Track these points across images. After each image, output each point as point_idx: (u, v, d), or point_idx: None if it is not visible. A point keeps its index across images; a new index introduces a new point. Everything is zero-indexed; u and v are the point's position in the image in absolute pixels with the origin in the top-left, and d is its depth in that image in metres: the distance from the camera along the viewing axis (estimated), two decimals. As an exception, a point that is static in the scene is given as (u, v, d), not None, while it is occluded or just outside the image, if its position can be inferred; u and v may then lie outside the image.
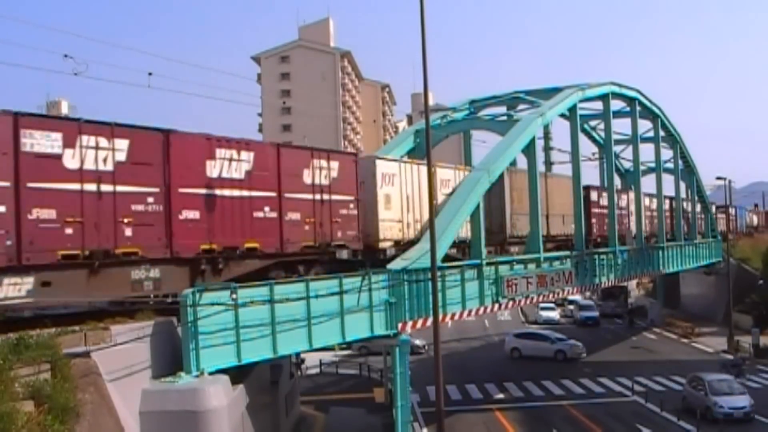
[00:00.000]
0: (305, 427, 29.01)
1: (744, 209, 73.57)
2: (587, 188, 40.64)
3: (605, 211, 41.22)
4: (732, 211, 71.94)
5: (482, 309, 28.42)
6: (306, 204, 21.34)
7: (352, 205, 23.16)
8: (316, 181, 21.82)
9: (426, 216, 24.88)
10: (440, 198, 26.99)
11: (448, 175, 28.59)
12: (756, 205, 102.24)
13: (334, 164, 22.65)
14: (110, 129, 15.93)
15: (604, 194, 42.59)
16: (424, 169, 24.58)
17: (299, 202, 21.10)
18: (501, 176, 30.17)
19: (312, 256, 21.54)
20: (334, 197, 22.38)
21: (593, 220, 40.34)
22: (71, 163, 15.08)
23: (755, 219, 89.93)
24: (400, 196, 25.42)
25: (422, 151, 31.48)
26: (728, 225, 66.67)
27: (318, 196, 21.76)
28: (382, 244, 24.30)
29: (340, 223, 22.45)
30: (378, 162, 25.03)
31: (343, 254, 22.27)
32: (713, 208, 59.51)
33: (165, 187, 17.04)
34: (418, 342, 48.54)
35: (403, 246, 25.04)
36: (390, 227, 24.76)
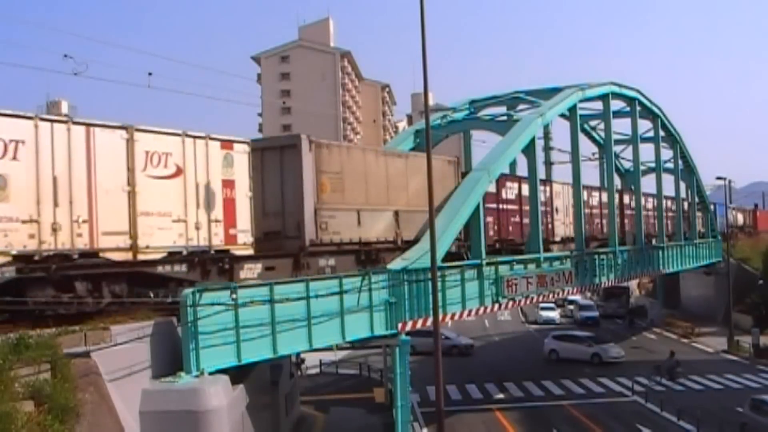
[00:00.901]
0: (305, 427, 29.02)
1: (726, 207, 67.21)
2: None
3: (507, 206, 32.84)
4: (711, 209, 64.73)
5: (482, 309, 28.43)
6: None
7: None
8: None
9: (108, 213, 16.28)
10: (143, 182, 16.98)
11: (165, 147, 17.62)
12: (756, 205, 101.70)
13: None
14: None
15: (508, 184, 33.71)
16: (100, 133, 16.17)
17: None
18: (297, 151, 21.30)
19: None
20: None
21: (489, 219, 30.98)
22: None
23: (741, 218, 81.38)
24: (37, 179, 15.12)
25: (422, 151, 31.47)
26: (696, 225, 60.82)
27: None
28: None
29: None
30: None
31: None
32: (685, 206, 55.60)
33: None
34: (464, 341, 48.10)
35: (41, 263, 15.00)
36: None
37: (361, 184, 22.89)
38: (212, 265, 18.51)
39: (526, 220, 33.79)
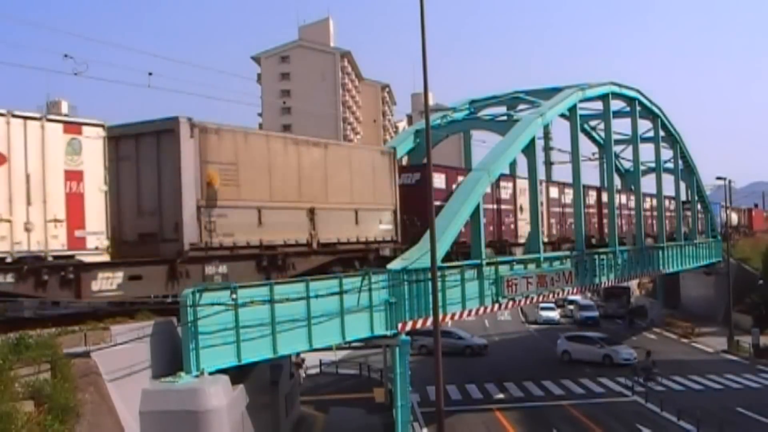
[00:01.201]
0: (305, 427, 29.02)
1: (719, 206, 64.18)
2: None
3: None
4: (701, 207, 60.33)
5: (482, 309, 28.42)
6: None
7: None
8: None
9: None
10: None
11: None
12: (756, 205, 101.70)
13: None
14: None
15: (460, 179, 29.49)
16: None
17: None
18: (175, 136, 17.65)
19: None
20: None
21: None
22: None
23: (735, 217, 74.69)
24: None
25: (422, 150, 31.49)
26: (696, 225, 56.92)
27: None
28: None
29: None
30: None
31: None
32: (673, 204, 53.48)
33: None
34: (478, 341, 47.95)
35: None
36: None
37: (264, 176, 19.71)
38: (51, 275, 15.26)
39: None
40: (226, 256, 18.69)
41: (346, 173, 23.15)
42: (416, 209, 25.15)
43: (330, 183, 22.35)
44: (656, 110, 48.39)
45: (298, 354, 28.70)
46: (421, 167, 27.99)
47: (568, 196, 38.14)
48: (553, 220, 36.36)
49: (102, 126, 16.52)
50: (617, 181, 50.41)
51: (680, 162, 53.60)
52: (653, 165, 49.99)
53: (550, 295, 35.94)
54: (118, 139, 17.57)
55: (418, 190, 25.75)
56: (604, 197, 42.71)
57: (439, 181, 27.50)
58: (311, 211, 21.47)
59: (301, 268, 20.94)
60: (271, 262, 20.06)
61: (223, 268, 18.59)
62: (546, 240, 34.79)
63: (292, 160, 21.04)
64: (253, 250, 19.53)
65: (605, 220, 42.12)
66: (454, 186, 28.59)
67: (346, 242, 22.85)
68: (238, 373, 16.96)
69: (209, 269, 18.31)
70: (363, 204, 23.60)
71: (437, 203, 26.20)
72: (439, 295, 22.39)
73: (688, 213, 55.09)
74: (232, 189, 18.84)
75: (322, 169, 22.15)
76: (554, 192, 37.05)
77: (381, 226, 24.36)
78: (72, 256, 15.62)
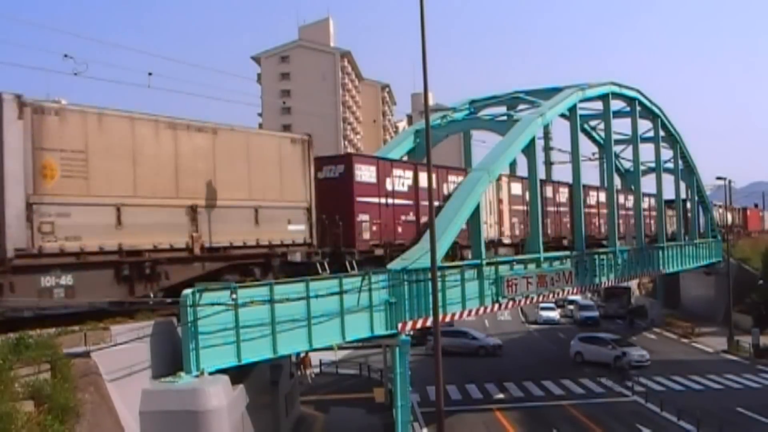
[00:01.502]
0: (305, 427, 29.03)
1: (712, 206, 61.80)
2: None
3: (395, 201, 25.71)
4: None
5: (482, 309, 28.42)
6: None
7: None
8: None
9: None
10: None
11: None
12: (756, 204, 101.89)
13: None
14: None
15: (396, 173, 26.19)
16: None
17: None
18: None
19: None
20: None
21: (365, 218, 24.31)
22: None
23: (729, 217, 72.70)
24: None
25: (422, 150, 31.51)
26: (686, 225, 54.55)
27: None
28: None
29: None
30: None
31: None
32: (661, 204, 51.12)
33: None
34: (492, 341, 47.70)
35: None
36: None
37: (125, 167, 16.58)
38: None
39: (423, 218, 26.12)
40: (71, 264, 15.34)
41: (243, 164, 19.59)
42: (339, 207, 22.61)
43: (220, 175, 18.76)
44: (656, 110, 48.42)
45: (305, 354, 28.46)
46: (344, 157, 25.47)
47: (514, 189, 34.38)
48: (515, 220, 32.85)
49: None
50: (617, 181, 50.39)
51: (680, 162, 53.64)
52: (653, 165, 50.01)
53: (550, 295, 35.94)
54: None
55: (342, 184, 23.28)
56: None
57: (368, 174, 24.37)
58: (193, 209, 18.02)
59: (177, 277, 17.52)
60: (135, 271, 16.70)
61: (67, 279, 15.25)
62: (508, 242, 32.44)
63: (166, 147, 17.56)
64: (110, 257, 16.20)
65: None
66: (387, 180, 25.34)
67: (242, 246, 19.32)
68: (238, 373, 16.97)
69: (47, 280, 14.97)
70: (266, 201, 20.15)
71: (368, 200, 24.13)
72: (439, 295, 22.39)
73: (670, 213, 54.85)
74: (78, 182, 15.57)
75: (208, 158, 18.59)
76: (517, 188, 33.39)
77: (290, 227, 20.97)
78: None
